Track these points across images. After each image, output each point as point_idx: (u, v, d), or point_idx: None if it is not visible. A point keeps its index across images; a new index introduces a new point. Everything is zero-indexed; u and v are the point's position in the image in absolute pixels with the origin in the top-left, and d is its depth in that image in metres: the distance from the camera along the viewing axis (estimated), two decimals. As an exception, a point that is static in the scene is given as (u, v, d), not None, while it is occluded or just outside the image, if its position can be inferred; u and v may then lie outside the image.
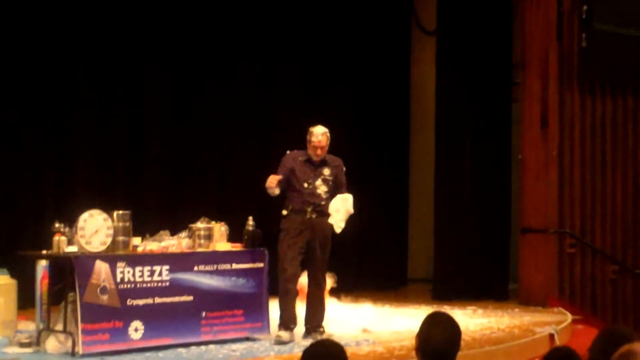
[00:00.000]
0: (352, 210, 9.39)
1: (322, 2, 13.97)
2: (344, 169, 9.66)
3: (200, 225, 9.36)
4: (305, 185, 9.32)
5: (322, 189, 9.37)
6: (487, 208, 13.25)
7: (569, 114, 12.81)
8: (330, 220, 9.30)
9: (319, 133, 9.42)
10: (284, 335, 9.15)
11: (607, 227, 13.05)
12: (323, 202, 9.34)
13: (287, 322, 9.25)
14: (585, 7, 12.64)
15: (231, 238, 9.46)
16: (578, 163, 12.84)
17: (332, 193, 9.40)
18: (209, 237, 9.35)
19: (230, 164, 13.04)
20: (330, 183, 9.43)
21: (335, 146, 13.76)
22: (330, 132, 13.82)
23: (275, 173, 9.23)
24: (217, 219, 9.63)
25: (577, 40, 12.73)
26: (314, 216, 9.31)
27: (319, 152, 9.40)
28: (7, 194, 11.41)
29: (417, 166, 15.14)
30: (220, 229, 9.44)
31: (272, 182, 9.08)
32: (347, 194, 9.43)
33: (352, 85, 14.27)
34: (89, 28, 12.00)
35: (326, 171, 9.44)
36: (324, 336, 9.11)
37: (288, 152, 9.51)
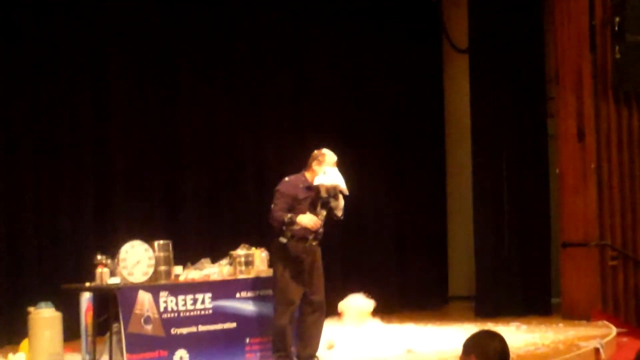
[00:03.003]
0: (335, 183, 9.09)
1: (354, 22, 14.03)
2: None
3: (240, 252, 9.42)
4: (308, 213, 8.94)
5: (322, 214, 9.01)
6: (527, 223, 13.20)
7: (605, 126, 12.75)
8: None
9: (333, 156, 9.11)
10: None
11: (648, 238, 12.95)
12: (322, 229, 9.05)
13: (290, 355, 9.04)
14: (617, 19, 12.58)
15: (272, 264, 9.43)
16: (616, 174, 12.76)
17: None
18: (250, 263, 9.40)
19: (268, 190, 13.08)
20: (328, 206, 9.10)
21: (370, 166, 13.97)
22: (365, 152, 14.02)
23: (275, 203, 8.91)
24: (257, 245, 9.67)
25: (611, 53, 12.68)
26: (314, 243, 9.05)
27: None
28: (49, 228, 11.51)
29: (454, 183, 15.12)
30: (260, 255, 9.49)
31: (318, 223, 8.89)
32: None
33: (385, 105, 14.29)
34: (122, 63, 12.15)
35: (323, 194, 9.08)
36: None
37: (286, 178, 9.13)
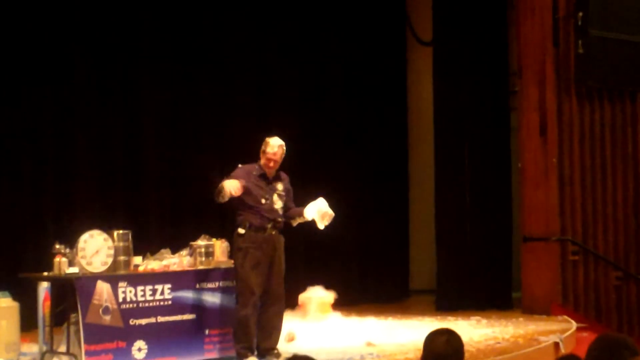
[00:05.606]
0: (330, 212, 9.18)
1: (319, 15, 13.98)
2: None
3: (201, 242, 9.33)
4: (263, 201, 8.96)
5: (278, 204, 9.04)
6: (488, 217, 13.21)
7: (568, 121, 12.79)
8: (314, 217, 9.11)
9: (275, 145, 9.05)
10: None
11: (609, 233, 13.00)
12: (280, 219, 9.05)
13: (252, 346, 8.94)
14: (580, 14, 12.62)
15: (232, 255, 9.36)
16: (578, 169, 12.81)
17: (285, 209, 9.14)
18: (210, 254, 9.32)
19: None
20: (284, 199, 9.14)
21: (332, 159, 13.93)
22: (328, 144, 13.97)
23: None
24: (218, 235, 9.59)
25: (574, 47, 12.72)
26: (273, 232, 9.00)
27: (271, 164, 9.04)
28: (7, 216, 11.39)
29: (416, 176, 15.12)
30: (221, 245, 9.40)
31: (238, 189, 8.76)
32: (320, 198, 9.22)
33: (348, 98, 14.27)
34: (86, 52, 12.05)
35: (279, 186, 9.11)
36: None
37: (240, 165, 9.13)
